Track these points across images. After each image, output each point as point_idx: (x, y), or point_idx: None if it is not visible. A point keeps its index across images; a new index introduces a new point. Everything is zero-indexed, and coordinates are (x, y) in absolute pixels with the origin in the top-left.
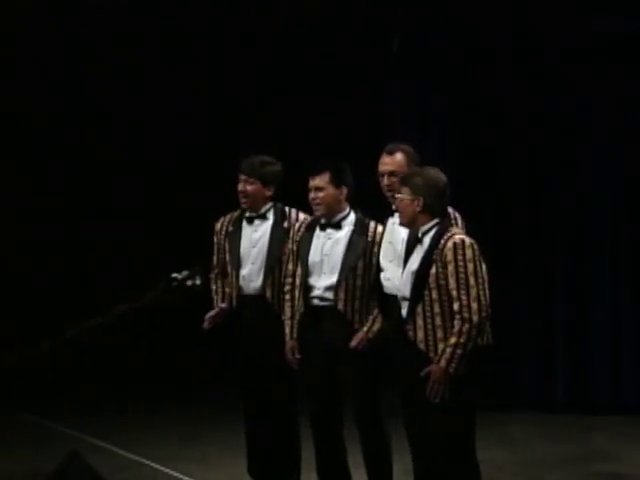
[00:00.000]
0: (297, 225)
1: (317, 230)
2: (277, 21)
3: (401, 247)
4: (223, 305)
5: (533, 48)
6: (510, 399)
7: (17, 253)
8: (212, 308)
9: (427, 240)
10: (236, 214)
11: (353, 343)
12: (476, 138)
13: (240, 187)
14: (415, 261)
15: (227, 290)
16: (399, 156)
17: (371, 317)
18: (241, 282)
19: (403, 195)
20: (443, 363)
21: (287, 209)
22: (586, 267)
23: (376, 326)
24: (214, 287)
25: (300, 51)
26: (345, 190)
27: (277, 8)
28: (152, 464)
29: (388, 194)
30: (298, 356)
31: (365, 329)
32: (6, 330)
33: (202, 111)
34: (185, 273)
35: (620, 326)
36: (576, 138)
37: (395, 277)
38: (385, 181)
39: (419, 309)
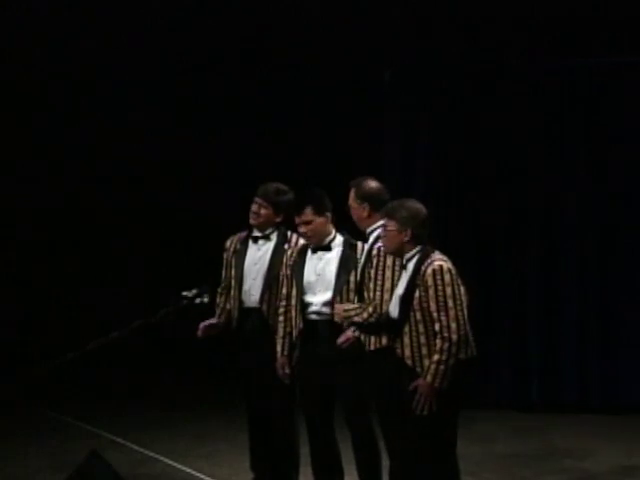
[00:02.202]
0: (289, 252)
1: (309, 253)
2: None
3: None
4: (216, 320)
5: (516, 80)
6: (487, 399)
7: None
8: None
9: (411, 266)
10: (244, 234)
11: (340, 340)
12: (460, 162)
13: (254, 208)
14: (401, 286)
15: (228, 307)
16: (351, 192)
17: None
18: (243, 296)
19: (390, 227)
20: (429, 378)
21: (289, 233)
22: (556, 276)
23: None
24: (218, 300)
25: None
26: (328, 215)
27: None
28: (166, 460)
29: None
30: (287, 371)
31: (352, 329)
32: (37, 344)
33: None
34: (194, 291)
35: (587, 331)
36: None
37: None
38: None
39: (406, 329)
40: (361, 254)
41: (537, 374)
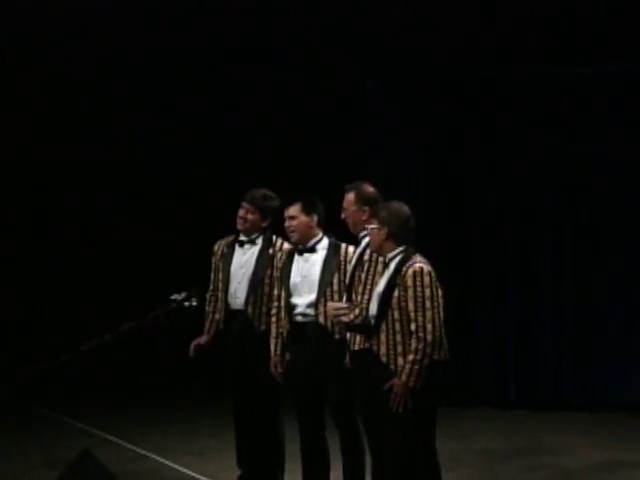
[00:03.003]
0: (279, 254)
1: (296, 256)
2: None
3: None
4: (205, 339)
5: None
6: (467, 397)
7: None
8: (202, 328)
9: (392, 265)
10: (231, 238)
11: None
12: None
13: (241, 213)
14: (382, 284)
15: (217, 317)
16: (350, 195)
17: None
18: (229, 298)
19: (373, 225)
20: (404, 377)
21: (274, 237)
22: (533, 278)
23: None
24: (207, 310)
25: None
26: (316, 218)
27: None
28: (155, 457)
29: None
30: (280, 370)
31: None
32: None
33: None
34: (183, 295)
35: (564, 332)
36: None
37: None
38: (342, 215)
39: (383, 327)
40: (345, 256)
41: (515, 373)
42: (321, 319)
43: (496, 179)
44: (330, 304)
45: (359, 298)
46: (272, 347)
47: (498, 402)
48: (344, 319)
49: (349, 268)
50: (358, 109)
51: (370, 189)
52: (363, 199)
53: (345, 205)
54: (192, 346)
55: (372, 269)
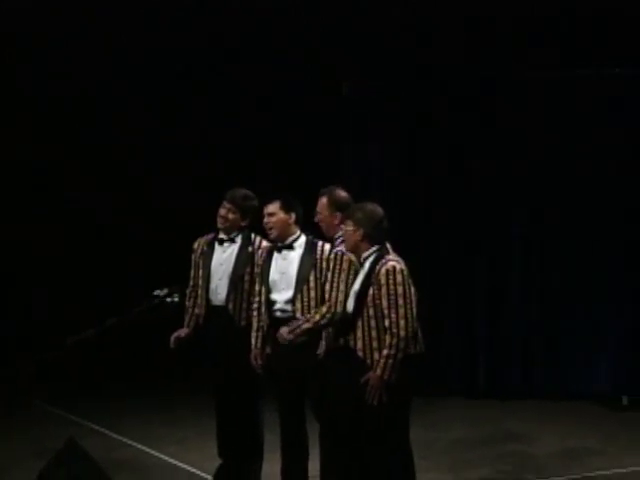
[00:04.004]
0: (260, 252)
1: (275, 253)
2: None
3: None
4: (185, 331)
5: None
6: (438, 387)
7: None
8: (183, 321)
9: (367, 265)
10: (210, 236)
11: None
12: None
13: (222, 212)
14: (357, 283)
15: (197, 311)
16: (323, 200)
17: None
18: (210, 295)
19: (347, 227)
20: (379, 372)
21: (253, 235)
22: (501, 272)
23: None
24: (186, 305)
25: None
26: (294, 216)
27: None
28: (138, 445)
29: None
30: (260, 362)
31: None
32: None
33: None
34: (165, 291)
35: (531, 323)
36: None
37: None
38: (316, 218)
39: (359, 323)
40: (321, 254)
41: (485, 364)
42: (298, 315)
43: (468, 178)
44: (282, 330)
45: (327, 296)
46: (253, 340)
47: (468, 392)
48: (306, 326)
49: (324, 266)
50: (333, 112)
51: (342, 194)
52: (335, 204)
53: (319, 209)
54: (173, 338)
55: (337, 267)
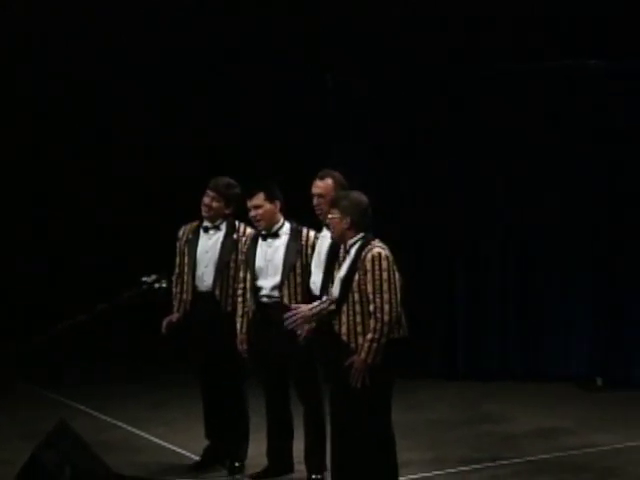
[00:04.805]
0: (243, 239)
1: (260, 240)
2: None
3: (324, 256)
4: (176, 316)
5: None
6: (419, 370)
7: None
8: (172, 308)
9: (353, 251)
10: (195, 224)
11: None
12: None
13: (206, 201)
14: (343, 269)
15: (184, 297)
16: (329, 181)
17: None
18: (197, 281)
19: (334, 215)
20: (363, 355)
21: (237, 223)
22: (479, 259)
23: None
24: (174, 291)
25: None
26: (278, 204)
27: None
28: (127, 427)
29: (317, 212)
30: (245, 347)
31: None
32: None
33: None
34: (153, 277)
35: (508, 309)
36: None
37: (318, 280)
38: (314, 202)
39: (344, 308)
40: (306, 240)
41: (464, 347)
42: (285, 300)
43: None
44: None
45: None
46: (238, 325)
47: (448, 374)
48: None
49: (310, 252)
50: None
51: (343, 179)
52: (341, 185)
53: (322, 191)
54: (165, 323)
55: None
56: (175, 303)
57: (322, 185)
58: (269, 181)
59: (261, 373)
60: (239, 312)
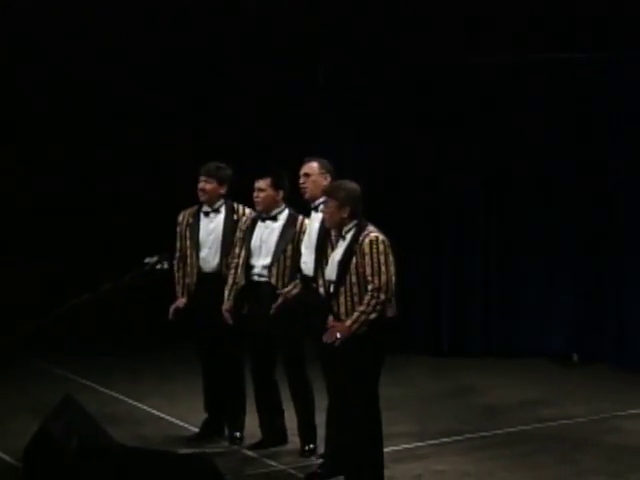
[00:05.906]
0: (244, 219)
1: (259, 222)
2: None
3: (314, 238)
4: (181, 302)
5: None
6: (405, 346)
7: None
8: (175, 290)
9: (348, 236)
10: (194, 208)
11: (277, 302)
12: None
13: (201, 185)
14: (339, 252)
15: (187, 280)
16: (314, 163)
17: (292, 284)
18: (201, 263)
19: (331, 205)
20: (348, 322)
21: (235, 205)
22: (463, 241)
23: (294, 291)
24: (176, 275)
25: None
26: (282, 193)
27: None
28: (129, 400)
29: (302, 192)
30: (229, 314)
31: (285, 290)
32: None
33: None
34: (155, 258)
35: (490, 287)
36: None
37: (309, 261)
38: (300, 180)
39: (342, 290)
40: (301, 227)
41: (448, 325)
42: (272, 280)
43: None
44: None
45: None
46: (226, 292)
47: (432, 351)
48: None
49: (302, 237)
50: (310, 96)
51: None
52: (325, 167)
53: (309, 171)
54: (171, 310)
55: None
56: (178, 288)
57: (307, 166)
58: (280, 169)
59: (250, 349)
60: (229, 282)
